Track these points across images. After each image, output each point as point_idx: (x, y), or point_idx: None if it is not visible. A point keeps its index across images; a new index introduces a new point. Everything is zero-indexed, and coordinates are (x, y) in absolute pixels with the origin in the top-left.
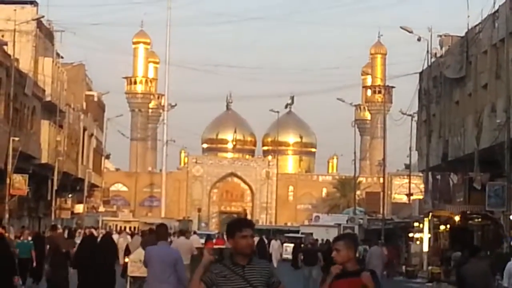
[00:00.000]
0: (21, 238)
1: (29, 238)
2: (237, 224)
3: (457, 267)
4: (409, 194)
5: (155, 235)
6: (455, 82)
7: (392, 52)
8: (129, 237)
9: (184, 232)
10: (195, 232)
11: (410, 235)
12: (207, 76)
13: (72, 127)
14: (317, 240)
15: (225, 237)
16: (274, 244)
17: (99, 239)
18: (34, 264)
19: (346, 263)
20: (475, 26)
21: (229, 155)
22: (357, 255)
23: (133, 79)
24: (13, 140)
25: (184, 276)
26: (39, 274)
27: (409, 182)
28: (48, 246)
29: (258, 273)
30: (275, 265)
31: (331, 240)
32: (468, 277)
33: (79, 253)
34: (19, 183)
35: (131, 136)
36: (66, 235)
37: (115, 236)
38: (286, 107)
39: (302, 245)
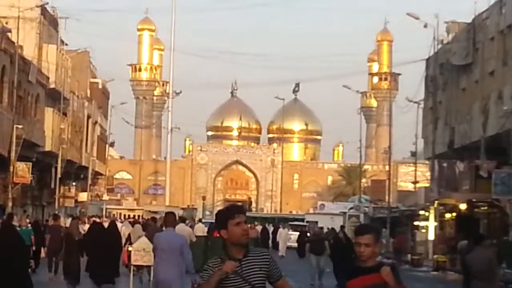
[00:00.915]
0: (20, 225)
1: (28, 225)
2: (227, 212)
3: (462, 256)
4: (415, 182)
5: (164, 222)
6: (462, 69)
7: (398, 39)
8: (130, 225)
9: (184, 219)
10: (200, 220)
11: (416, 223)
12: (212, 63)
13: (76, 114)
14: (322, 228)
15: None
16: (282, 232)
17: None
18: (34, 248)
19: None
20: (482, 12)
21: (234, 142)
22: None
23: (137, 66)
24: (16, 127)
25: (189, 260)
26: (37, 258)
27: (415, 170)
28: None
29: (256, 266)
30: (283, 253)
31: (336, 229)
32: (474, 265)
33: (88, 238)
34: (22, 171)
35: (136, 124)
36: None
37: (118, 225)
38: (293, 92)
39: (309, 234)
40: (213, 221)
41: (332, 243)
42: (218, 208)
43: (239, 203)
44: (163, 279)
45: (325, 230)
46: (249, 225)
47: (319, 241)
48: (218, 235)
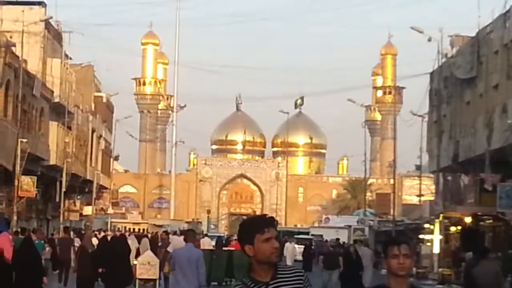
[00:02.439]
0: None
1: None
2: (256, 224)
3: (467, 269)
4: (419, 195)
5: (184, 237)
6: (466, 83)
7: (402, 53)
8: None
9: (180, 232)
10: (206, 235)
11: (421, 236)
12: (216, 77)
13: (81, 128)
14: (338, 240)
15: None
16: (289, 246)
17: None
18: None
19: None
20: (486, 26)
21: (239, 156)
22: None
23: (142, 80)
24: (21, 141)
25: (202, 274)
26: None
27: (420, 183)
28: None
29: None
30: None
31: (341, 241)
32: (480, 278)
33: (101, 252)
34: (27, 185)
35: (140, 138)
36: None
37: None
38: (295, 107)
39: (313, 247)
40: (220, 234)
41: (345, 258)
42: (223, 222)
43: (266, 215)
44: None
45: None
46: None
47: (334, 255)
48: (238, 248)
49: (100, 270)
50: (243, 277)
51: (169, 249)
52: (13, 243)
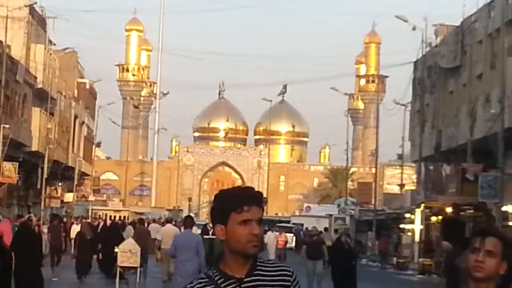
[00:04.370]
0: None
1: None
2: (233, 198)
3: (449, 259)
4: (401, 185)
5: (183, 224)
6: (450, 72)
7: (386, 41)
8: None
9: (170, 220)
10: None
11: (402, 226)
12: (199, 64)
13: (63, 114)
14: (320, 232)
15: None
16: (270, 235)
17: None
18: None
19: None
20: (471, 15)
21: (221, 144)
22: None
23: (125, 67)
24: (3, 127)
25: (203, 256)
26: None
27: (402, 173)
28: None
29: None
30: (272, 257)
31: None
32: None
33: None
34: (9, 171)
35: (122, 124)
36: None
37: None
38: (279, 95)
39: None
40: (202, 222)
41: (333, 248)
42: (204, 210)
43: (254, 190)
44: (183, 273)
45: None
46: None
47: (317, 245)
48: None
49: (96, 256)
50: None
51: (159, 237)
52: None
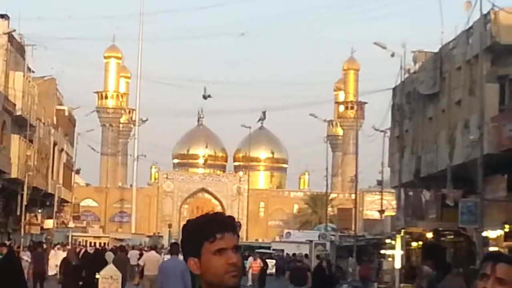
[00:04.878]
0: None
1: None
2: (203, 227)
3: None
4: (381, 211)
5: (170, 250)
6: (429, 98)
7: (365, 68)
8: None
9: (154, 247)
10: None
11: (382, 252)
12: (178, 91)
13: (43, 141)
14: (306, 256)
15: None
16: (251, 260)
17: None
18: None
19: None
20: (449, 42)
21: (200, 170)
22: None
23: (104, 94)
24: None
25: (189, 283)
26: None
27: (381, 199)
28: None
29: None
30: (251, 283)
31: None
32: None
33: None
34: None
35: (102, 151)
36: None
37: None
38: (258, 122)
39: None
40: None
41: (314, 274)
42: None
43: (225, 215)
44: None
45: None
46: None
47: (302, 271)
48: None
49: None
50: None
51: (141, 262)
52: None
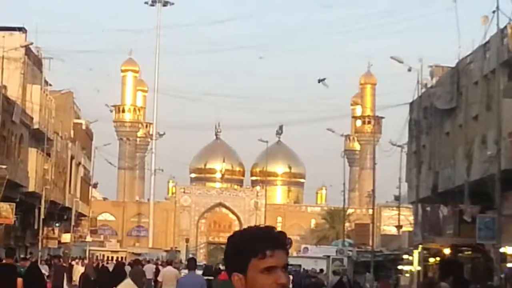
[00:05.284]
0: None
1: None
2: (252, 241)
3: None
4: (398, 226)
5: (187, 266)
6: (446, 113)
7: (382, 82)
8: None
9: (170, 262)
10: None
11: (400, 267)
12: (196, 105)
13: (60, 155)
14: (322, 271)
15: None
16: None
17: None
18: None
19: None
20: (466, 56)
21: (218, 185)
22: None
23: (121, 108)
24: (0, 168)
25: None
26: None
27: (399, 214)
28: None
29: None
30: None
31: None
32: None
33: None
34: (6, 211)
35: (119, 165)
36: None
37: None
38: (275, 136)
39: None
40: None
41: None
42: (201, 251)
43: (276, 230)
44: None
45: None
46: None
47: (316, 286)
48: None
49: None
50: None
51: (159, 278)
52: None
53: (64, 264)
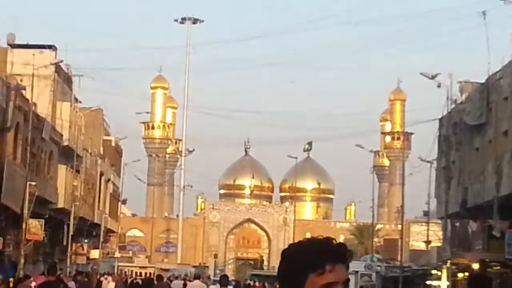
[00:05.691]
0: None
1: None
2: (311, 254)
3: None
4: (427, 241)
5: (219, 281)
6: (475, 129)
7: (411, 98)
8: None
9: (198, 276)
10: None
11: (428, 282)
12: (225, 121)
13: (89, 172)
14: None
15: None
16: None
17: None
18: None
19: None
20: (496, 72)
21: (246, 201)
22: None
23: (150, 124)
24: (30, 184)
25: None
26: None
27: (428, 229)
28: None
29: None
30: None
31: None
32: None
33: None
34: (35, 228)
35: (148, 181)
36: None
37: None
38: (304, 152)
39: None
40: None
41: None
42: (230, 267)
43: (335, 241)
44: None
45: None
46: (266, 285)
47: None
48: None
49: None
50: None
51: None
52: None
53: (86, 279)
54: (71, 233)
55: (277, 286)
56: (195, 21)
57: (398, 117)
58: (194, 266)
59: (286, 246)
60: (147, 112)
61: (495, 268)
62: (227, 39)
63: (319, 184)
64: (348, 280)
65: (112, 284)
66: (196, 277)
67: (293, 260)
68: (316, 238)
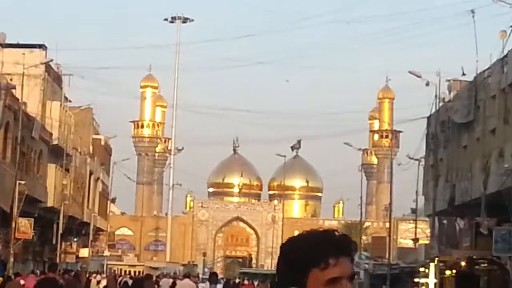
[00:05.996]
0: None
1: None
2: (314, 248)
3: None
4: (415, 239)
5: (209, 279)
6: (463, 127)
7: (400, 97)
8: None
9: (188, 275)
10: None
11: (416, 280)
12: (214, 120)
13: (79, 170)
14: None
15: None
16: None
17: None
18: None
19: None
20: (484, 71)
21: (235, 199)
22: None
23: (140, 123)
24: (19, 183)
25: None
26: None
27: (415, 227)
28: None
29: None
30: None
31: None
32: None
33: None
34: (24, 226)
35: (137, 180)
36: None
37: None
38: (292, 150)
39: None
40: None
41: None
42: (219, 265)
43: (338, 233)
44: None
45: None
46: (254, 282)
47: None
48: None
49: None
50: None
51: None
52: None
53: (72, 278)
54: (60, 231)
55: (268, 284)
56: (185, 20)
57: (387, 115)
58: (183, 265)
59: (274, 244)
60: (132, 122)
61: (482, 265)
62: (217, 38)
63: (307, 182)
64: (354, 275)
65: (104, 282)
66: (186, 276)
67: (293, 255)
68: (316, 230)
